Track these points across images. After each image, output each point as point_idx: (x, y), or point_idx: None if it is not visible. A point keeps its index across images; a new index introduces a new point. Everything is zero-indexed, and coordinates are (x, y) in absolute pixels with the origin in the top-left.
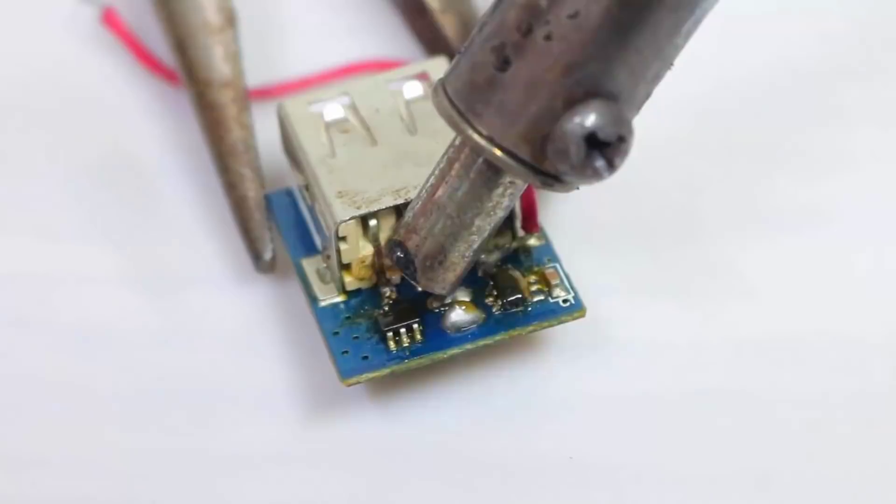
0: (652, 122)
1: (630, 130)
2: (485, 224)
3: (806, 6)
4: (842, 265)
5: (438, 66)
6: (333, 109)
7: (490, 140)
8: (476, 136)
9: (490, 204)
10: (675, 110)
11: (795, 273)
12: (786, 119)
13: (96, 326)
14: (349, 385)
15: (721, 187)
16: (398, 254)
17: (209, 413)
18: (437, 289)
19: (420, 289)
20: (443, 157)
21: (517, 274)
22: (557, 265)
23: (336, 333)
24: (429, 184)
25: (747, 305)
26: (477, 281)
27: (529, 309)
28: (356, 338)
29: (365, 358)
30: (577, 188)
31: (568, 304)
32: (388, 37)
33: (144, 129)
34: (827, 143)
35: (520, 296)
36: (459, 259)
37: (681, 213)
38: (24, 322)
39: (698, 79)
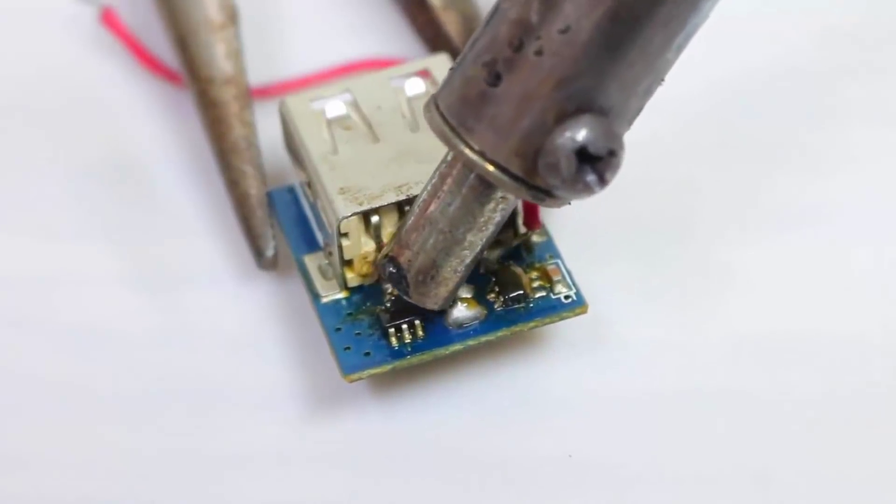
0: (652, 122)
1: (621, 145)
2: (477, 239)
3: (805, 5)
4: (841, 264)
5: (440, 64)
6: (335, 106)
7: (482, 155)
8: (468, 152)
9: (482, 219)
10: (675, 110)
11: (795, 272)
12: (785, 118)
13: (96, 326)
14: (351, 381)
15: (721, 186)
16: (390, 269)
17: (209, 412)
18: (430, 304)
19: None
20: (435, 172)
21: (519, 270)
22: (559, 261)
23: (338, 330)
24: (421, 199)
25: (747, 304)
26: (479, 277)
27: (531, 305)
28: (358, 334)
29: (367, 354)
30: (569, 203)
31: (570, 300)
32: (389, 34)
33: (144, 128)
34: (825, 141)
35: (521, 292)
36: (451, 274)
37: (682, 211)
38: (24, 322)
39: (698, 78)
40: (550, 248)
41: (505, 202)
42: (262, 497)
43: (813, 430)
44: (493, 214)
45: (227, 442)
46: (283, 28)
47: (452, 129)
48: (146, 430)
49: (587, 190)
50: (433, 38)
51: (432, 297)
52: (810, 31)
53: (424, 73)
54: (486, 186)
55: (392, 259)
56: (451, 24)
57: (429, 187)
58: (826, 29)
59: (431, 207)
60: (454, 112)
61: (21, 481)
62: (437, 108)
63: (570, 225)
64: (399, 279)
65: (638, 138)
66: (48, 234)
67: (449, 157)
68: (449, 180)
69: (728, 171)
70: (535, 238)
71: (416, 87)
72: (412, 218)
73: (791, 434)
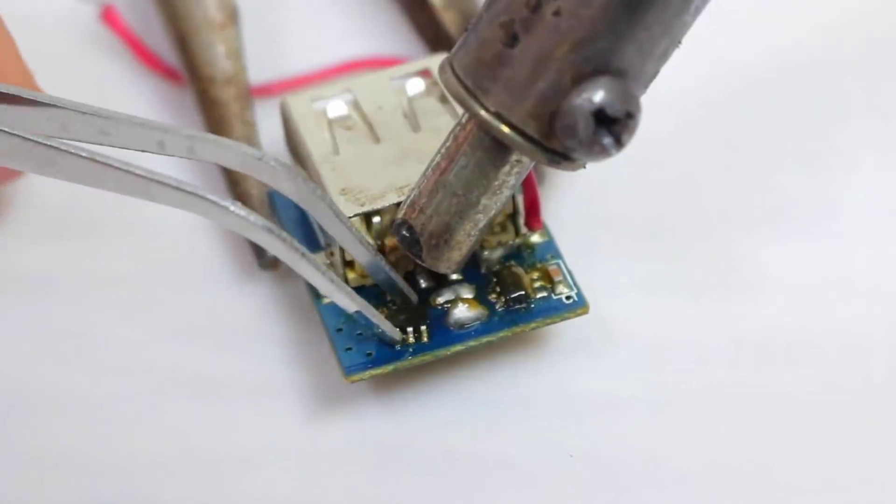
0: (655, 119)
1: (638, 107)
2: (491, 203)
3: None
4: (846, 262)
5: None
6: (336, 106)
7: (498, 116)
8: (484, 113)
9: (496, 182)
10: (677, 106)
11: (799, 270)
12: (790, 115)
13: (95, 326)
14: (352, 382)
15: (724, 184)
16: (404, 233)
17: (210, 412)
18: (443, 268)
19: (425, 268)
20: (449, 135)
21: (520, 271)
22: (560, 262)
23: (339, 330)
24: (435, 162)
25: (750, 302)
26: (480, 278)
27: (532, 306)
28: (359, 334)
29: (368, 355)
30: (584, 167)
31: (571, 300)
32: (390, 34)
33: None
34: (831, 138)
35: (523, 293)
36: (465, 238)
37: (684, 209)
38: (22, 322)
39: (700, 75)
40: (551, 249)
41: (520, 165)
42: (262, 497)
43: (815, 430)
44: (508, 178)
45: (228, 442)
46: (284, 27)
47: (468, 89)
48: (146, 430)
49: (604, 152)
50: (434, 37)
51: (445, 261)
52: (811, 24)
53: (425, 73)
54: (501, 149)
55: (405, 222)
56: (451, 23)
57: (443, 150)
58: (827, 23)
59: (446, 170)
60: (470, 73)
61: (21, 481)
62: (453, 69)
63: (572, 225)
64: (412, 243)
65: (641, 135)
66: (47, 233)
67: (464, 120)
68: (464, 143)
69: (730, 170)
70: (537, 238)
71: (417, 87)
72: (425, 181)
73: (793, 434)
